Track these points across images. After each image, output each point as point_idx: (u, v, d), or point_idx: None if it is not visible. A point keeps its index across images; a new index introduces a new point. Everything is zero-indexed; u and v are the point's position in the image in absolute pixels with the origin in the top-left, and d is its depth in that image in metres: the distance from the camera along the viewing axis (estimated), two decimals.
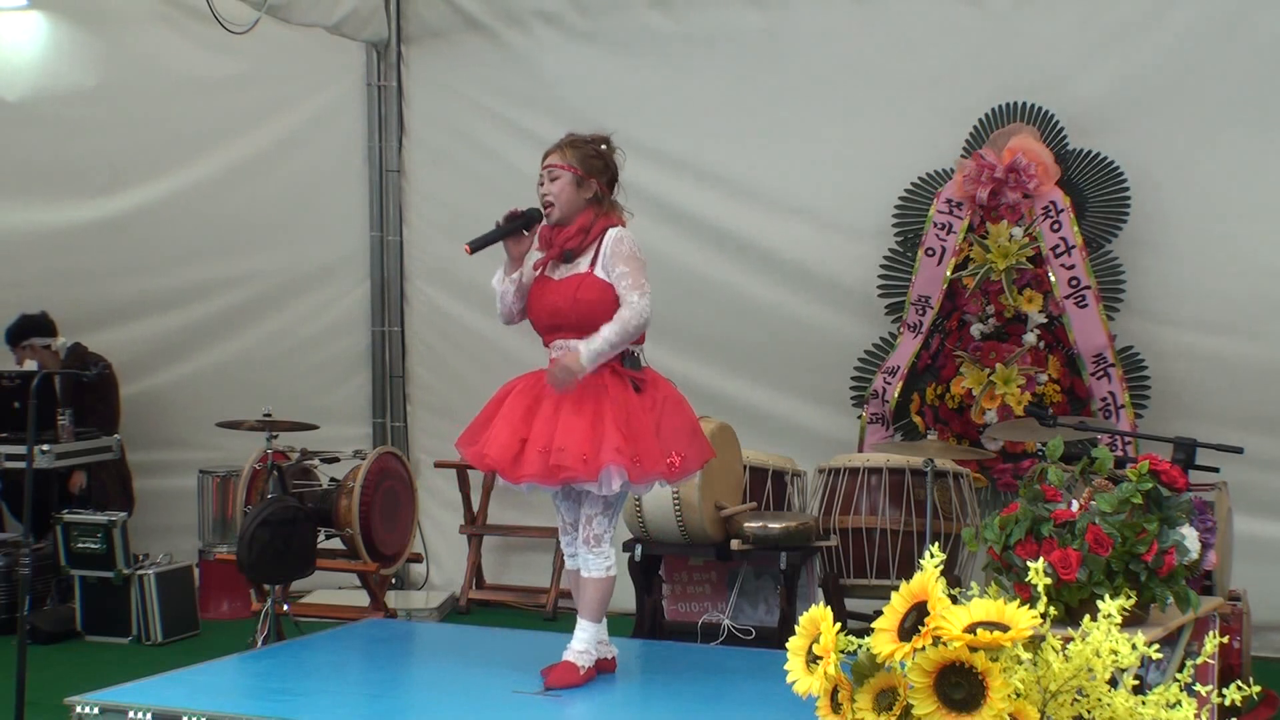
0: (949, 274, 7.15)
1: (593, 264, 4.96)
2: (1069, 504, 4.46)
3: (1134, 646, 3.36)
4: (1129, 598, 3.70)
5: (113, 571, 7.32)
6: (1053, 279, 7.00)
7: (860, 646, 3.49)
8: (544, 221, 5.01)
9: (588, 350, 4.86)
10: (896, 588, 3.48)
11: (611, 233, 4.98)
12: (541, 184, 5.02)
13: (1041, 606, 3.44)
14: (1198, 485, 5.48)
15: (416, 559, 8.03)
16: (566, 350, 4.90)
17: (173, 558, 7.54)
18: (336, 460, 7.42)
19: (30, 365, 8.14)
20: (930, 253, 7.17)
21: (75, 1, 8.64)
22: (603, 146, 5.03)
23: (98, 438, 7.99)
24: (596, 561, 4.97)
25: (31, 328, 8.26)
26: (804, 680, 3.51)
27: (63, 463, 7.76)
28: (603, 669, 5.06)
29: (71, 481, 7.99)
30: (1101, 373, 6.99)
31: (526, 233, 5.01)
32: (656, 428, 4.92)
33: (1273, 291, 6.89)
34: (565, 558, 5.18)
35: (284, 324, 8.66)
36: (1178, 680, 3.44)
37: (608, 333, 4.87)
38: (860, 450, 7.24)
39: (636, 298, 4.90)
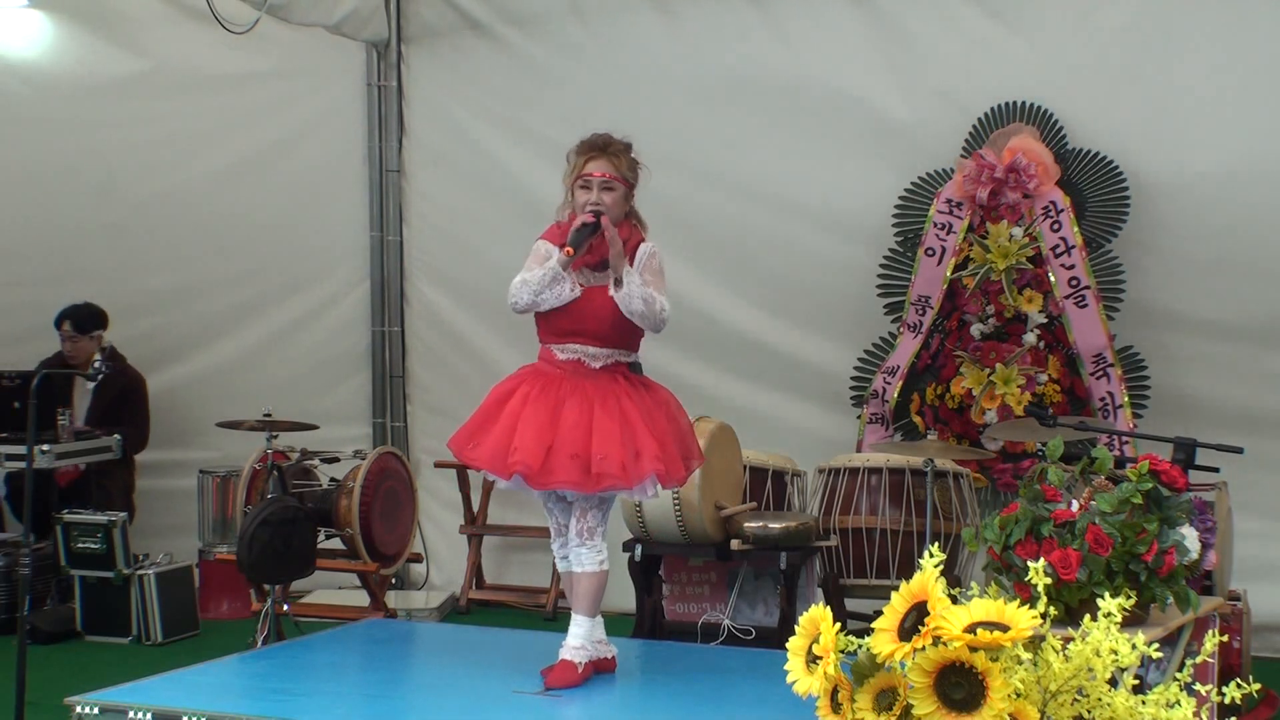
0: (949, 274, 7.15)
1: None
2: (1069, 504, 4.47)
3: (1134, 646, 3.36)
4: (1129, 598, 3.70)
5: (113, 571, 7.32)
6: (1053, 279, 7.00)
7: (860, 646, 3.49)
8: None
9: (631, 274, 4.84)
10: (896, 588, 3.49)
11: (645, 247, 5.00)
12: (586, 189, 4.94)
13: (1041, 606, 3.44)
14: (1198, 485, 5.48)
15: (416, 559, 8.03)
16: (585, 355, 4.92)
17: (173, 558, 7.54)
18: (336, 460, 7.42)
19: (96, 358, 8.07)
20: (930, 253, 7.17)
21: (76, 1, 8.64)
22: (633, 155, 5.02)
23: (98, 437, 7.98)
24: (589, 555, 4.96)
25: (101, 320, 8.25)
26: (804, 680, 3.51)
27: (63, 463, 7.75)
28: (602, 669, 5.06)
29: (60, 474, 7.88)
30: (1101, 373, 6.99)
31: (591, 237, 4.91)
32: (672, 431, 4.94)
33: (1273, 292, 6.89)
34: (557, 560, 5.17)
35: (284, 324, 8.66)
36: (1177, 680, 3.44)
37: (647, 292, 4.86)
38: (860, 450, 7.24)
39: (663, 298, 4.94)
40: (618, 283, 4.87)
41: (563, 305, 4.92)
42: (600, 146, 4.97)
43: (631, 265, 4.94)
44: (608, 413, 4.84)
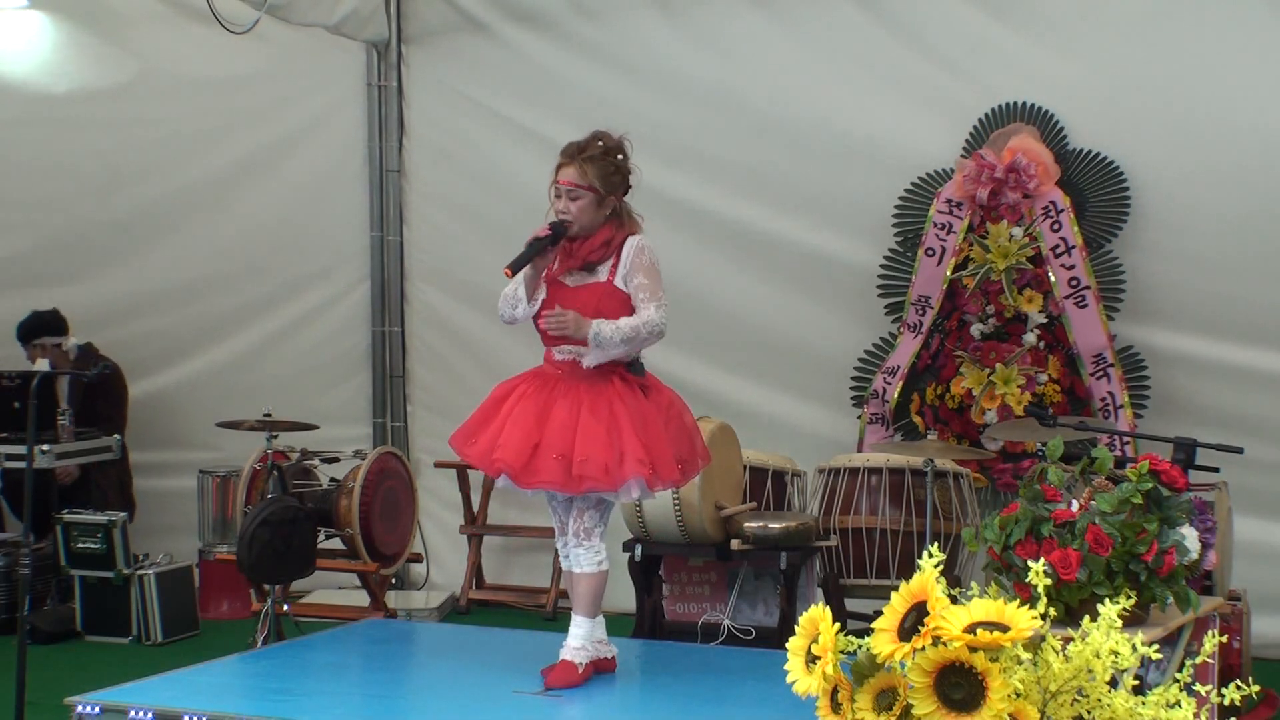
0: (949, 274, 7.15)
1: (612, 273, 4.95)
2: (1069, 504, 4.47)
3: (1134, 647, 3.36)
4: (1129, 598, 3.70)
5: (113, 571, 7.32)
6: (1053, 279, 7.00)
7: (860, 646, 3.50)
8: (565, 236, 4.93)
9: (601, 328, 4.81)
10: (896, 588, 3.49)
11: (631, 242, 4.96)
12: (558, 197, 4.93)
13: (1041, 607, 3.44)
14: (1198, 485, 5.48)
15: (416, 559, 8.03)
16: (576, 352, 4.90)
17: (173, 558, 7.54)
18: (336, 460, 7.41)
19: (42, 364, 8.08)
20: (930, 253, 7.17)
21: (76, 1, 8.64)
22: (619, 157, 4.95)
23: (98, 437, 7.98)
24: (587, 556, 4.96)
25: (42, 326, 8.20)
26: (804, 680, 3.51)
27: (63, 462, 7.75)
28: (602, 669, 5.06)
29: (59, 473, 7.85)
30: (1101, 373, 6.99)
31: (552, 249, 4.94)
32: (667, 434, 4.93)
33: (1272, 293, 6.89)
34: (560, 559, 5.18)
35: (284, 324, 8.66)
36: (1178, 680, 3.44)
37: (624, 324, 4.84)
38: (860, 450, 7.24)
39: (654, 309, 4.90)
40: (589, 353, 4.87)
41: (552, 308, 4.92)
42: (573, 153, 4.94)
43: (619, 262, 4.94)
44: (595, 414, 4.84)
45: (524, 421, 4.85)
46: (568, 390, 4.90)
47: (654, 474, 4.84)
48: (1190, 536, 4.48)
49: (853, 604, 6.73)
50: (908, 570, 5.57)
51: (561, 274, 4.96)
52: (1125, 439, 6.57)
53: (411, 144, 8.47)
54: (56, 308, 8.29)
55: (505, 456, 4.82)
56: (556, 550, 5.25)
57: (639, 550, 6.46)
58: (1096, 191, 7.07)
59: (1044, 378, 7.09)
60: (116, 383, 8.25)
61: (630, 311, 4.93)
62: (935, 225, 7.15)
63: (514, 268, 4.87)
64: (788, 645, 3.58)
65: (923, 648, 3.34)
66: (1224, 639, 3.74)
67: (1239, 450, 5.64)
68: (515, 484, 4.86)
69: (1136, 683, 3.58)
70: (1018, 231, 7.05)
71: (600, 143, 4.95)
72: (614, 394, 4.90)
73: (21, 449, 7.06)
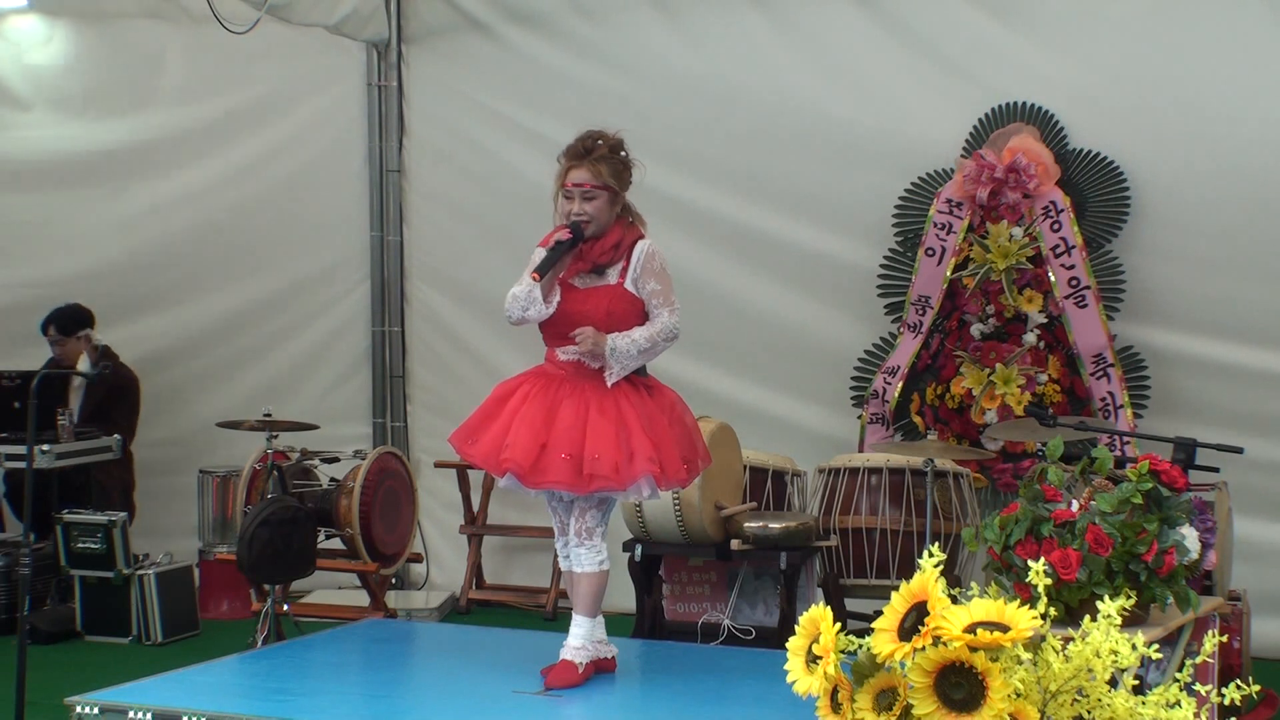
0: (949, 274, 7.15)
1: (622, 276, 4.96)
2: (1069, 504, 4.47)
3: (1134, 646, 3.37)
4: (1129, 598, 3.70)
5: (113, 571, 7.32)
6: (1053, 279, 7.00)
7: (860, 646, 3.50)
8: (583, 239, 4.92)
9: (616, 342, 4.85)
10: (896, 588, 3.49)
11: (642, 246, 4.98)
12: (570, 200, 4.94)
13: (1041, 606, 3.45)
14: (1198, 485, 5.48)
15: (416, 559, 8.03)
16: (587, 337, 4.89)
17: (173, 558, 7.54)
18: (336, 460, 7.42)
19: (83, 359, 8.07)
20: (930, 253, 7.17)
21: (76, 3, 8.64)
22: (623, 154, 4.98)
23: (97, 437, 7.98)
24: (589, 556, 4.96)
25: (87, 319, 8.22)
26: (804, 680, 3.51)
27: (63, 463, 7.74)
28: (603, 669, 5.06)
29: None
30: (1101, 373, 6.99)
31: (571, 251, 4.93)
32: (672, 434, 4.94)
33: (1272, 293, 6.89)
34: (559, 559, 5.18)
35: (284, 324, 8.66)
36: (1177, 680, 3.44)
37: (640, 335, 4.88)
38: (860, 450, 7.24)
39: (668, 315, 4.95)
40: (610, 369, 4.89)
41: (560, 309, 4.93)
42: (580, 154, 4.94)
43: (628, 266, 4.95)
44: (604, 414, 4.85)
45: (532, 421, 4.85)
46: (573, 390, 4.90)
47: (662, 473, 4.86)
48: (1190, 536, 4.48)
49: (853, 604, 6.73)
50: (908, 570, 5.58)
51: (571, 276, 4.97)
52: (1125, 439, 6.57)
53: (411, 144, 8.47)
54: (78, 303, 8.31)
55: (514, 456, 4.81)
56: (556, 550, 5.24)
57: (639, 550, 6.46)
58: (1096, 191, 7.07)
59: (1044, 378, 7.09)
60: (132, 391, 8.24)
61: (637, 312, 4.95)
62: (935, 225, 7.15)
63: (540, 271, 4.86)
64: (788, 645, 3.59)
65: (923, 648, 3.34)
66: (1224, 639, 3.75)
67: (1239, 450, 5.64)
68: (523, 484, 4.85)
69: (1136, 683, 3.58)
70: (1018, 231, 7.05)
71: (602, 141, 4.96)
72: (620, 393, 4.90)
73: (22, 449, 7.06)
